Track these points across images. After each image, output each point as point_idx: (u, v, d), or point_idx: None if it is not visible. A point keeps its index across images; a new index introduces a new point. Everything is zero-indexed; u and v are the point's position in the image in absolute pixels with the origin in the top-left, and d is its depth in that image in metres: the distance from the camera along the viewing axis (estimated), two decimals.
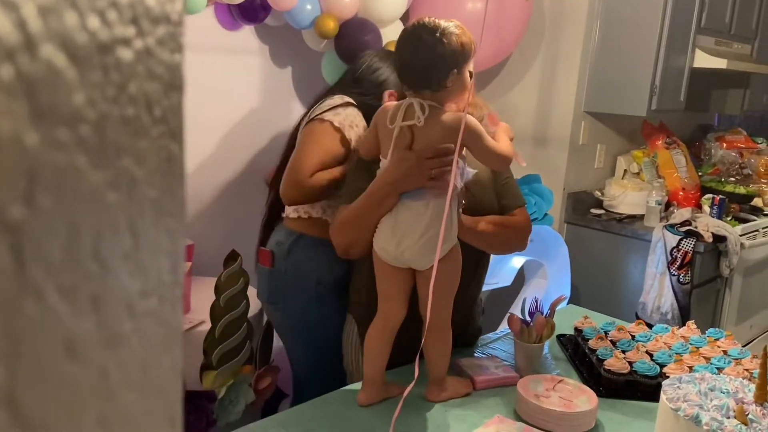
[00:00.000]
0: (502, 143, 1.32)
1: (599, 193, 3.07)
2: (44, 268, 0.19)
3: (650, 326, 2.64)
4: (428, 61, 1.21)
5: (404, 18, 2.32)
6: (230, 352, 1.72)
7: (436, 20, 1.25)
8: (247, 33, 2.18)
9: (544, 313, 1.61)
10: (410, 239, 1.25)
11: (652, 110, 2.78)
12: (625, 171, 3.21)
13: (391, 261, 1.30)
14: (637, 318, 2.72)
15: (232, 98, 2.20)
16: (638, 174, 3.19)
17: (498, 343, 1.73)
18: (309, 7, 2.02)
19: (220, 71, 2.18)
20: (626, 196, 3.01)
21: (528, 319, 1.60)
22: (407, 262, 1.29)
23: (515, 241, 1.55)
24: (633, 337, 1.66)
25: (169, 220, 0.26)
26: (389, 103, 1.30)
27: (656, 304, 2.63)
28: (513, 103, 3.00)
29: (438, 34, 1.21)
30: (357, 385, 1.39)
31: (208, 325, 1.70)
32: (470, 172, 1.31)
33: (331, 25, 2.00)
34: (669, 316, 2.60)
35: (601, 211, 3.02)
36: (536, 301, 1.63)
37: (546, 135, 2.96)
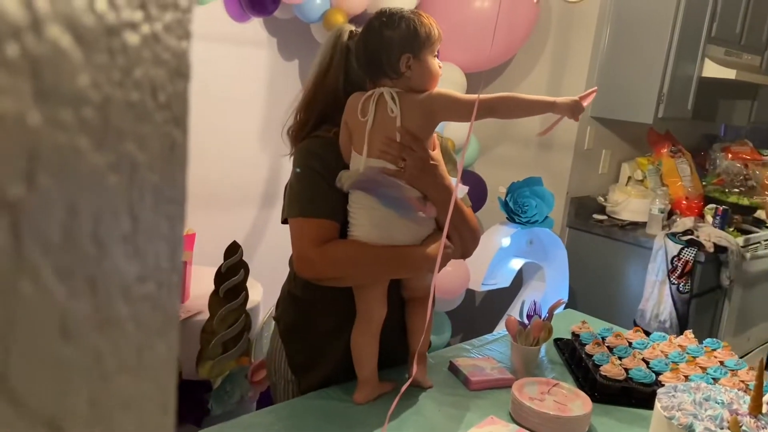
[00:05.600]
0: (522, 95, 1.23)
1: (602, 199, 3.07)
2: (42, 248, 0.19)
3: (648, 334, 2.64)
4: (376, 45, 1.19)
5: None
6: (227, 343, 1.72)
7: (391, 8, 1.23)
8: (255, 25, 2.18)
9: (542, 316, 1.61)
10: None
11: (659, 118, 2.78)
12: (629, 178, 3.20)
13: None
14: (635, 325, 2.72)
15: (238, 89, 2.20)
16: (642, 181, 3.18)
17: (495, 345, 1.73)
18: (319, 1, 2.02)
19: (227, 62, 2.18)
20: (629, 203, 3.01)
21: (526, 321, 1.60)
22: None
23: (472, 245, 1.42)
24: (630, 344, 1.66)
25: (169, 207, 0.26)
26: (355, 95, 1.24)
27: (655, 312, 2.63)
28: None
29: (384, 19, 1.20)
30: (353, 380, 1.39)
31: (206, 315, 1.71)
32: (463, 188, 1.31)
33: (340, 20, 2.00)
34: (667, 325, 2.59)
35: (604, 217, 3.01)
36: (535, 303, 1.62)
37: (551, 138, 2.96)
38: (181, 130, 0.26)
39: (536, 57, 2.93)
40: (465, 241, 1.35)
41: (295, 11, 2.05)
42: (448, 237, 1.30)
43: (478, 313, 3.13)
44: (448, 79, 2.39)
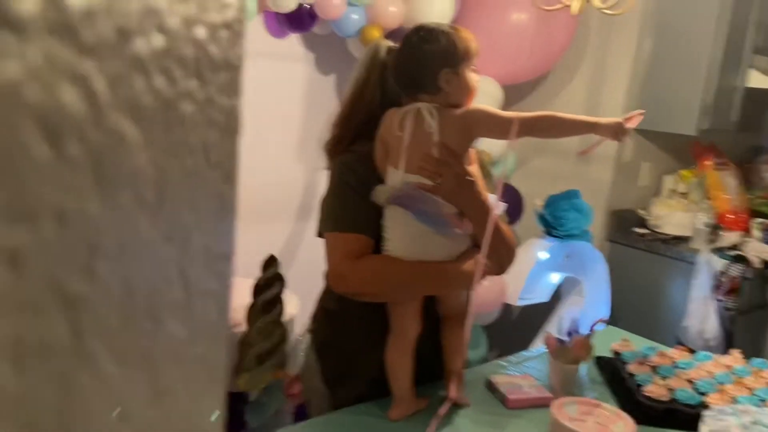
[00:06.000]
0: (562, 114, 1.22)
1: (643, 212, 3.00)
2: (101, 337, 0.19)
3: (693, 352, 2.55)
4: (414, 60, 1.18)
5: None
6: (264, 355, 1.74)
7: (428, 23, 1.23)
8: (293, 41, 2.21)
9: (583, 333, 1.57)
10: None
11: (702, 130, 2.71)
12: (672, 191, 3.12)
13: None
14: (679, 343, 2.64)
15: (276, 103, 2.23)
16: (685, 194, 3.10)
17: (533, 362, 1.70)
18: (355, 16, 2.04)
19: (266, 77, 2.21)
20: (672, 217, 2.93)
21: (565, 338, 1.56)
22: None
23: (508, 261, 1.39)
24: (674, 363, 1.61)
25: (218, 263, 0.26)
26: (392, 110, 1.23)
27: (699, 329, 2.55)
28: None
29: (423, 33, 1.19)
30: (388, 396, 1.38)
31: (243, 327, 1.73)
32: (501, 205, 1.29)
33: (376, 35, 2.01)
34: (712, 343, 2.51)
35: (645, 231, 2.94)
36: (574, 320, 1.59)
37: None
38: (231, 185, 0.26)
39: (575, 68, 2.89)
40: (501, 258, 1.33)
41: (333, 26, 2.07)
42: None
43: (515, 328, 3.09)
44: (485, 92, 2.37)
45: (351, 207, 1.25)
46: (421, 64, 1.18)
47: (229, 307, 0.27)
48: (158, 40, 0.20)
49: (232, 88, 0.25)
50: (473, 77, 1.22)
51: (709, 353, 1.66)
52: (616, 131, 1.18)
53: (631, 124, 1.20)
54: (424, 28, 1.21)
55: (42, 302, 0.17)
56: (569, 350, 1.50)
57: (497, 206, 1.27)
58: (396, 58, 1.23)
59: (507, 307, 2.72)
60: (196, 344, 0.24)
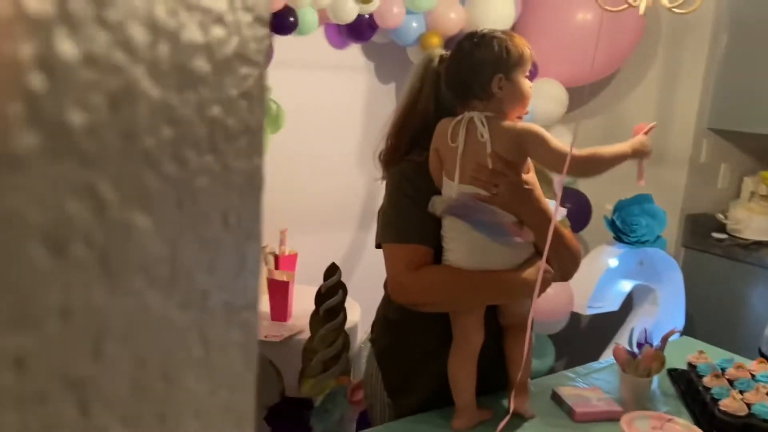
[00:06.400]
0: (603, 155, 1.21)
1: (722, 216, 2.85)
2: (110, 409, 0.18)
3: None
4: (467, 65, 1.18)
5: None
6: (328, 362, 1.76)
7: (483, 29, 1.22)
8: (354, 50, 2.23)
9: (654, 345, 1.51)
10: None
11: None
12: (753, 193, 2.95)
13: None
14: (761, 354, 2.49)
15: (338, 113, 2.26)
16: (767, 197, 2.93)
17: (602, 374, 1.64)
18: (415, 24, 2.04)
19: (328, 87, 2.24)
20: (753, 221, 2.77)
21: (636, 350, 1.51)
22: None
23: (573, 267, 1.36)
24: (753, 376, 1.52)
25: (242, 314, 0.25)
26: (444, 120, 1.23)
27: None
28: (625, 116, 2.86)
29: (476, 40, 1.18)
30: (450, 406, 1.37)
31: (308, 334, 1.76)
32: (561, 211, 1.26)
33: (435, 42, 2.01)
34: None
35: (724, 236, 2.79)
36: (645, 331, 1.53)
37: (663, 152, 2.79)
38: (254, 241, 0.25)
39: (645, 67, 2.79)
40: (564, 264, 1.30)
41: (392, 35, 2.08)
42: (546, 261, 1.25)
43: (584, 338, 3.00)
44: (549, 94, 2.33)
45: (409, 217, 1.25)
46: (473, 70, 1.18)
47: (255, 353, 0.26)
48: (168, 132, 0.19)
49: (254, 149, 0.24)
50: (526, 83, 1.21)
51: None
52: (642, 148, 1.24)
53: (648, 134, 1.27)
54: (476, 34, 1.20)
55: (47, 391, 0.17)
56: (640, 362, 1.45)
57: (558, 212, 1.24)
58: (449, 65, 1.23)
59: (576, 316, 2.65)
60: (217, 395, 0.23)
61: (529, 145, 1.17)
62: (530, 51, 1.22)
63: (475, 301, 1.24)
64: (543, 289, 1.26)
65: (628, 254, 2.44)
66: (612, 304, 2.47)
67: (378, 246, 1.32)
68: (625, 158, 1.24)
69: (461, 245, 1.22)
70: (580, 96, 2.70)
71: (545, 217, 1.22)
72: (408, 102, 1.30)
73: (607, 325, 2.72)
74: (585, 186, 2.89)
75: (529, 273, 1.22)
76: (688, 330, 2.65)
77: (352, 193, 2.36)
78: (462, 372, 1.30)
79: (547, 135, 1.18)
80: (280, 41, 1.93)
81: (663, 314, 2.53)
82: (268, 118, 1.97)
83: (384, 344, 1.44)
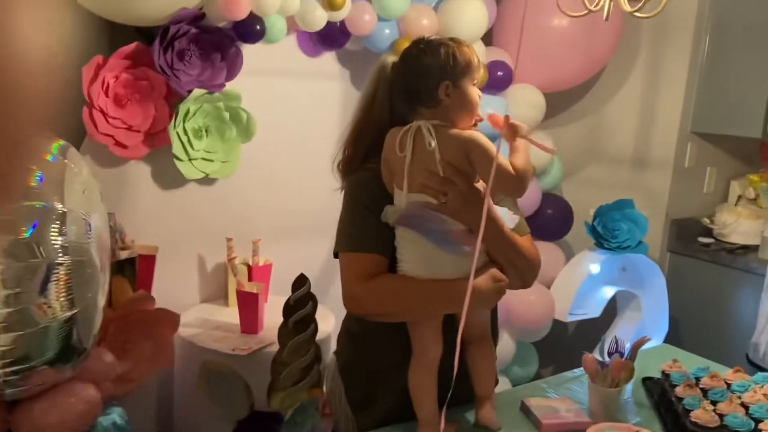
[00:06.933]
0: (518, 161, 1.16)
1: (708, 221, 2.82)
2: None
3: (764, 370, 2.36)
4: (414, 72, 1.16)
5: (486, 38, 2.26)
6: (298, 374, 1.73)
7: (429, 36, 1.20)
8: (328, 58, 2.21)
9: (625, 354, 1.48)
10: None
11: None
12: (740, 197, 2.93)
13: None
14: (748, 360, 2.45)
15: (314, 122, 2.24)
16: (755, 200, 2.90)
17: (573, 384, 1.62)
18: (387, 31, 2.03)
19: (303, 96, 2.23)
20: (739, 225, 2.74)
21: (607, 359, 1.48)
22: None
23: (530, 275, 1.32)
24: (728, 386, 1.49)
25: None
26: (393, 130, 1.21)
27: None
28: (608, 120, 2.84)
29: (422, 46, 1.17)
30: (413, 420, 1.34)
31: (278, 346, 1.73)
32: (514, 218, 1.24)
33: None
34: None
35: (710, 240, 2.76)
36: (616, 340, 1.50)
37: (646, 156, 2.77)
38: None
39: (627, 71, 2.76)
40: (521, 272, 1.28)
41: (365, 42, 2.07)
42: (501, 269, 1.24)
43: (570, 344, 2.96)
44: (526, 100, 2.31)
45: (365, 226, 1.24)
46: (420, 76, 1.16)
47: None
48: None
49: None
50: (474, 91, 1.19)
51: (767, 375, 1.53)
52: (520, 127, 1.18)
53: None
54: (423, 40, 1.19)
55: None
56: (608, 373, 1.42)
57: (510, 218, 1.22)
58: (396, 71, 1.21)
59: (561, 323, 2.61)
60: None
61: (475, 155, 1.15)
62: (479, 59, 1.20)
63: (427, 311, 1.22)
64: (498, 298, 1.23)
65: (610, 260, 2.41)
66: (594, 311, 2.45)
67: (335, 255, 1.30)
68: (527, 151, 1.19)
69: (413, 254, 1.20)
70: (558, 101, 2.68)
71: (496, 225, 1.20)
72: (363, 110, 1.29)
73: (594, 331, 2.68)
74: (568, 191, 2.87)
75: (482, 282, 1.20)
76: (673, 336, 2.62)
77: (328, 201, 2.33)
78: (423, 385, 1.27)
79: (489, 146, 1.16)
80: (251, 49, 1.92)
81: (646, 320, 2.50)
82: (239, 127, 1.95)
83: (347, 358, 1.42)
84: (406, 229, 1.20)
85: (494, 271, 1.22)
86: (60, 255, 1.02)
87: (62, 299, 1.03)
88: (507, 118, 1.20)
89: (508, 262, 1.25)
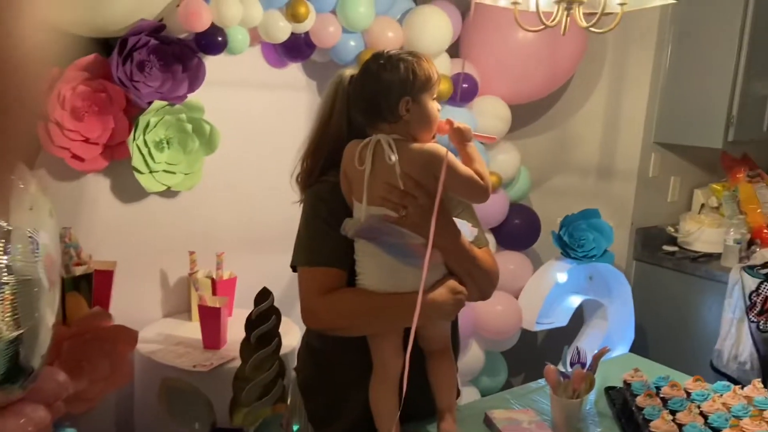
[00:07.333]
0: (480, 167, 1.18)
1: (672, 229, 2.86)
2: None
3: (730, 379, 2.39)
4: (374, 88, 1.15)
5: (452, 51, 2.27)
6: (260, 390, 1.70)
7: (390, 50, 1.20)
8: (294, 70, 2.20)
9: (587, 365, 1.49)
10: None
11: (729, 142, 2.57)
12: (703, 205, 2.98)
13: None
14: (712, 367, 2.49)
15: (281, 133, 2.22)
16: (718, 209, 2.95)
17: (538, 395, 1.62)
18: (353, 43, 2.02)
19: (269, 108, 2.21)
20: (703, 233, 2.79)
21: (569, 370, 1.48)
22: None
23: (489, 286, 1.32)
24: (688, 395, 1.50)
25: None
26: (352, 143, 1.20)
27: (733, 352, 2.40)
28: (574, 132, 2.87)
29: (382, 61, 1.16)
30: None
31: (239, 361, 1.70)
32: (473, 231, 1.24)
33: None
34: (747, 367, 2.36)
35: (675, 249, 2.81)
36: (577, 351, 1.51)
37: (611, 166, 2.81)
38: None
39: (592, 83, 2.80)
40: (479, 284, 1.28)
41: (330, 54, 2.06)
42: (460, 281, 1.24)
43: (539, 352, 2.98)
44: (491, 112, 2.32)
45: (323, 239, 1.23)
46: (380, 92, 1.16)
47: None
48: None
49: None
50: (434, 106, 1.19)
51: (728, 384, 1.55)
52: (466, 129, 1.19)
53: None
54: (383, 55, 1.18)
55: None
56: (569, 384, 1.42)
57: (469, 231, 1.22)
58: (355, 86, 1.21)
59: (529, 332, 2.62)
60: None
61: (435, 167, 1.15)
62: (438, 74, 1.20)
63: (386, 324, 1.21)
64: (456, 310, 1.23)
65: (576, 269, 2.43)
66: (561, 320, 2.46)
67: (294, 269, 1.29)
68: (479, 155, 1.21)
69: (372, 268, 1.19)
70: (524, 113, 2.71)
71: (455, 239, 1.20)
72: (320, 123, 1.28)
73: (562, 339, 2.70)
74: (536, 201, 2.89)
75: (439, 294, 1.19)
76: (640, 344, 2.65)
77: (294, 213, 2.31)
78: (383, 399, 1.26)
79: (454, 158, 1.16)
80: (214, 60, 1.90)
81: (613, 328, 2.52)
82: (202, 139, 1.92)
83: (307, 373, 1.40)
84: (365, 242, 1.19)
85: (452, 283, 1.22)
86: (4, 274, 0.99)
87: (7, 319, 1.00)
88: (450, 122, 1.21)
89: (466, 274, 1.25)
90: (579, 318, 2.62)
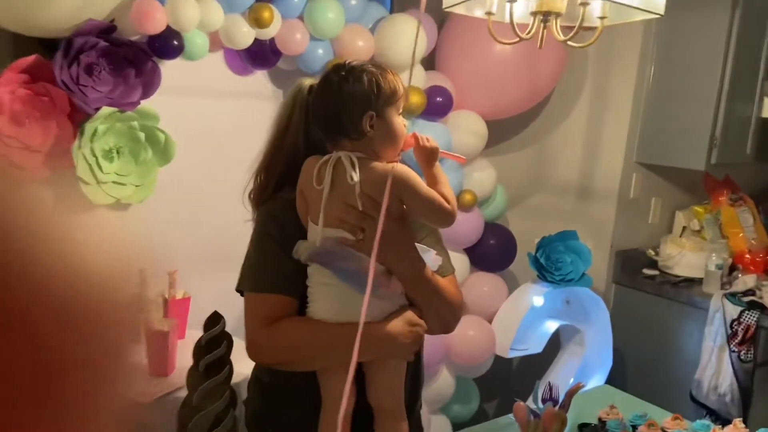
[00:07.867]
0: (447, 190, 1.09)
1: (652, 252, 2.78)
2: None
3: (710, 411, 2.30)
4: (335, 101, 1.06)
5: (427, 63, 2.18)
6: (210, 421, 1.58)
7: (353, 61, 1.10)
8: (260, 77, 2.09)
9: (559, 401, 1.38)
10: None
11: (712, 164, 2.50)
12: (684, 228, 2.90)
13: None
14: (692, 398, 2.40)
15: (242, 144, 2.10)
16: (699, 232, 2.88)
17: (509, 430, 1.51)
18: (321, 51, 1.92)
19: (232, 116, 2.09)
20: (684, 257, 2.71)
21: (540, 407, 1.38)
22: None
23: (452, 319, 1.22)
24: None
25: None
26: (310, 159, 1.11)
27: (713, 383, 2.31)
28: (553, 150, 2.79)
29: (344, 73, 1.06)
30: None
31: (185, 391, 1.58)
32: (437, 259, 1.13)
33: None
34: (728, 398, 2.27)
35: (655, 272, 2.72)
36: (550, 386, 1.41)
37: (591, 186, 2.72)
38: None
39: (572, 100, 2.72)
40: (441, 316, 1.17)
41: (298, 62, 1.96)
42: (419, 314, 1.13)
43: (515, 378, 2.87)
44: (466, 127, 2.23)
45: (272, 262, 1.12)
46: (341, 106, 1.05)
47: None
48: None
49: None
50: (400, 121, 1.09)
51: (707, 423, 1.45)
52: (432, 147, 1.11)
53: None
54: (344, 66, 1.08)
55: None
56: (539, 424, 1.31)
57: (433, 260, 1.12)
58: (315, 99, 1.10)
59: (501, 358, 2.52)
60: None
61: (398, 187, 1.05)
62: (404, 87, 1.10)
63: (335, 359, 1.09)
64: (414, 345, 1.12)
65: (553, 293, 2.33)
66: (536, 347, 2.36)
67: (240, 292, 1.17)
68: (445, 178, 1.12)
69: (324, 296, 1.09)
70: (501, 129, 2.61)
71: (417, 266, 1.09)
72: (276, 135, 1.17)
73: (538, 365, 2.59)
74: (513, 221, 2.79)
75: (394, 326, 1.08)
76: (618, 371, 2.55)
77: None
78: None
79: (417, 179, 1.06)
80: (172, 65, 1.78)
81: (590, 355, 2.42)
82: (156, 149, 1.80)
83: (255, 408, 1.28)
84: (319, 267, 1.08)
85: (410, 314, 1.11)
86: None
87: None
88: (416, 136, 1.11)
89: (427, 306, 1.14)
90: (555, 343, 2.52)
